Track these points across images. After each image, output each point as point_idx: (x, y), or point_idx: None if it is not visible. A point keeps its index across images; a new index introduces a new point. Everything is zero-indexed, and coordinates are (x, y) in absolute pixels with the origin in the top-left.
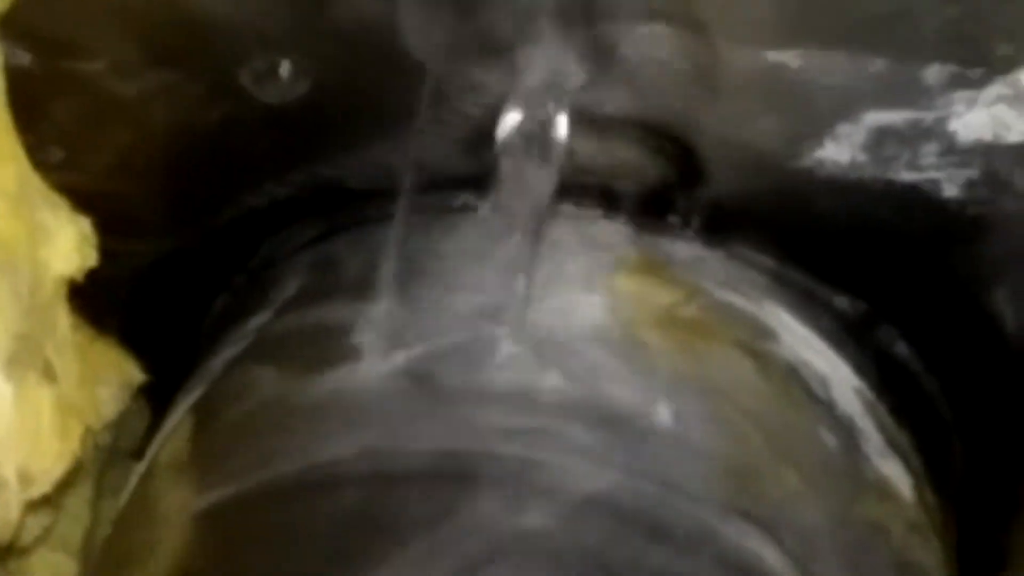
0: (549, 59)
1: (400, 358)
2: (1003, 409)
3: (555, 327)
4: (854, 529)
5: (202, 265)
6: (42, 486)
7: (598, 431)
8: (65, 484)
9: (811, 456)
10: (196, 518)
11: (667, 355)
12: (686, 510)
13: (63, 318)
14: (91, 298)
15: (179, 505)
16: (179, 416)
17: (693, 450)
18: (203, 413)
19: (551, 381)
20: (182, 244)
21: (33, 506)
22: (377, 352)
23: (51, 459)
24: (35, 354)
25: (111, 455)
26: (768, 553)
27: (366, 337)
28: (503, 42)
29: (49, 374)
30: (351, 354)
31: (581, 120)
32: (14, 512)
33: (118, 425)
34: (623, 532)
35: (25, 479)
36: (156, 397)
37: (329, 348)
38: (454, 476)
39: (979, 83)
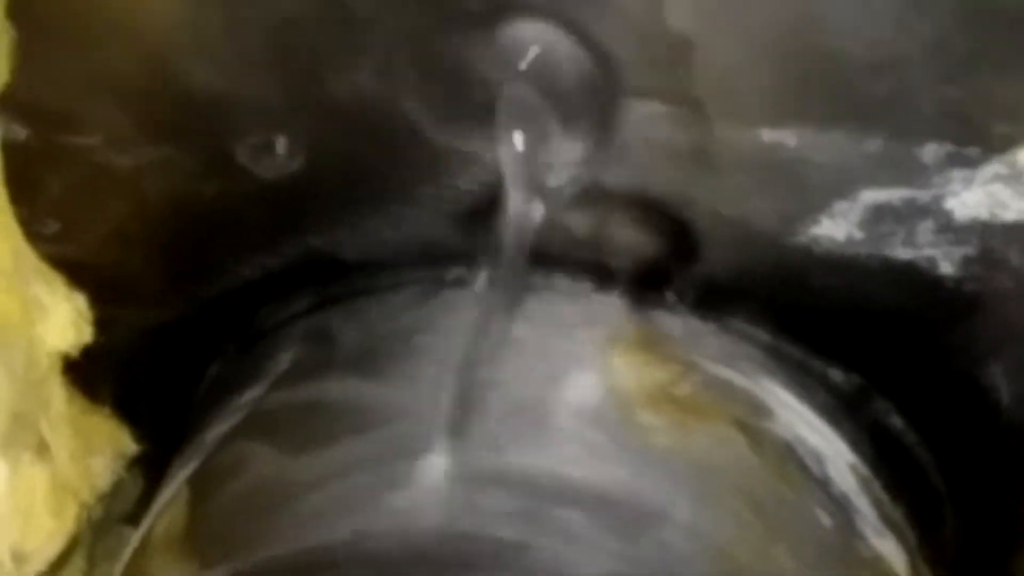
0: (545, 136)
1: (393, 437)
2: (997, 482)
3: (552, 406)
4: None
5: (196, 334)
6: (37, 565)
7: (591, 514)
8: (60, 559)
9: (806, 536)
10: None
11: (662, 434)
12: None
13: (57, 393)
14: (85, 369)
15: None
16: (173, 490)
17: (686, 532)
18: (197, 489)
19: (546, 463)
20: (176, 314)
21: None
22: (371, 431)
23: (45, 538)
24: (30, 431)
25: (104, 521)
26: None
27: (359, 416)
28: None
29: (43, 451)
30: (345, 433)
31: (581, 196)
32: None
33: (112, 493)
34: None
35: (19, 558)
36: (151, 465)
37: (323, 426)
38: (449, 560)
39: (976, 162)
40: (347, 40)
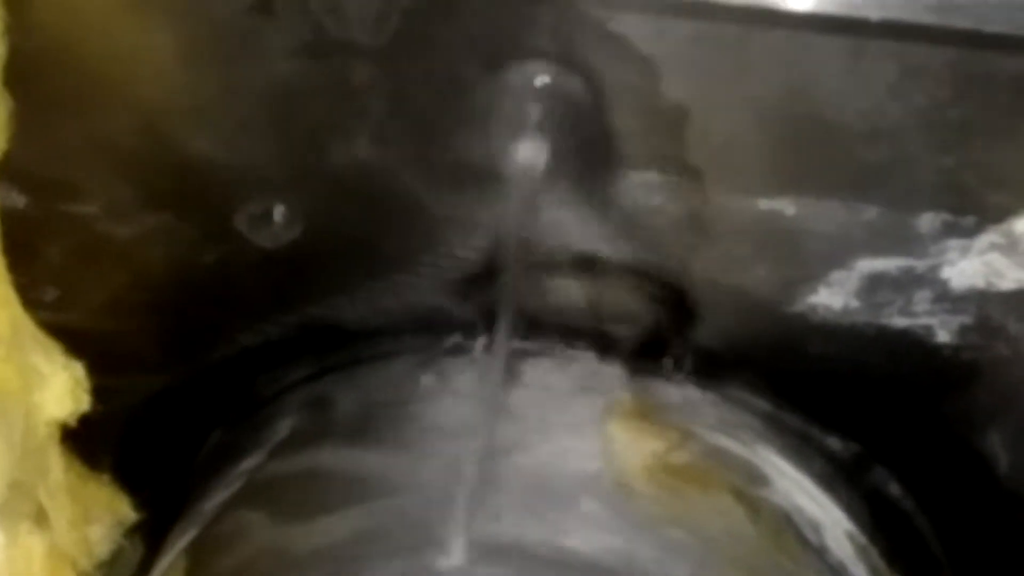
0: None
1: (390, 506)
2: (995, 548)
3: (549, 474)
4: None
5: (195, 403)
6: None
7: None
8: None
9: None
10: None
11: (659, 504)
12: None
13: (56, 461)
14: (84, 437)
15: None
16: (171, 558)
17: None
18: (195, 558)
19: (544, 534)
20: (175, 381)
21: None
22: (368, 501)
23: None
24: (28, 500)
25: None
26: None
27: (357, 486)
28: (496, 188)
29: (41, 520)
30: (343, 503)
31: (579, 264)
32: None
33: (111, 559)
34: None
35: None
36: (150, 532)
37: (320, 496)
38: None
39: (972, 231)
40: (344, 111)
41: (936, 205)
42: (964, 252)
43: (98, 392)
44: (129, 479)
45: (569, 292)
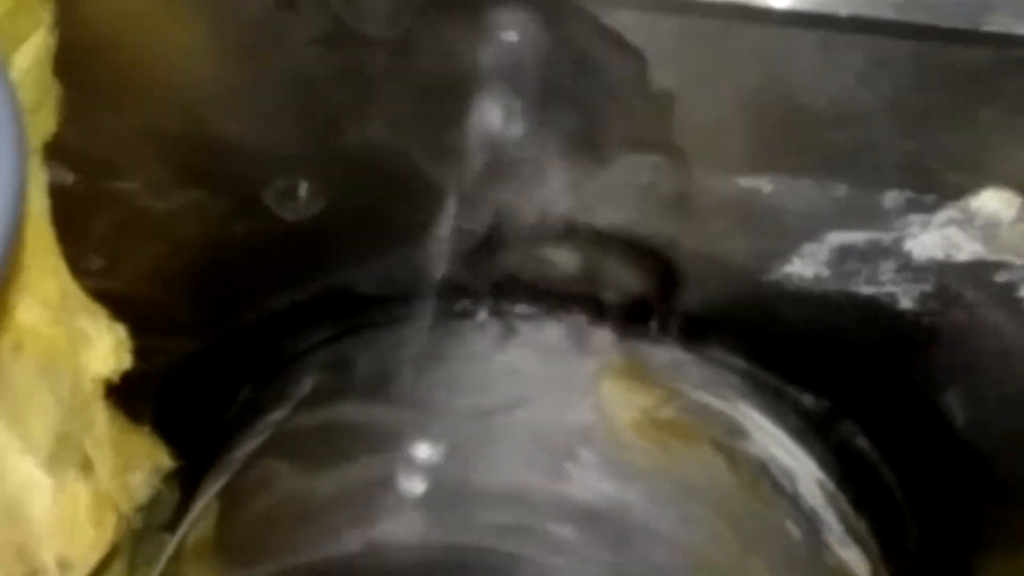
0: (545, 182)
1: (403, 455)
2: (953, 495)
3: (547, 427)
4: None
5: (226, 362)
6: (80, 571)
7: (581, 528)
8: (102, 565)
9: (777, 547)
10: None
11: (646, 454)
12: None
13: (100, 414)
14: (126, 393)
15: None
16: (205, 502)
17: (668, 545)
18: (226, 502)
19: (541, 481)
20: (208, 343)
21: None
22: (384, 451)
23: (88, 547)
24: (74, 450)
25: (144, 530)
26: None
27: (374, 437)
28: (497, 166)
29: (87, 467)
30: (360, 452)
31: (574, 236)
32: None
33: (150, 503)
34: None
35: (64, 566)
36: (186, 478)
37: (340, 446)
38: (452, 570)
39: (932, 208)
40: (361, 96)
41: (900, 184)
42: (925, 226)
43: (139, 352)
44: (167, 431)
45: (566, 261)
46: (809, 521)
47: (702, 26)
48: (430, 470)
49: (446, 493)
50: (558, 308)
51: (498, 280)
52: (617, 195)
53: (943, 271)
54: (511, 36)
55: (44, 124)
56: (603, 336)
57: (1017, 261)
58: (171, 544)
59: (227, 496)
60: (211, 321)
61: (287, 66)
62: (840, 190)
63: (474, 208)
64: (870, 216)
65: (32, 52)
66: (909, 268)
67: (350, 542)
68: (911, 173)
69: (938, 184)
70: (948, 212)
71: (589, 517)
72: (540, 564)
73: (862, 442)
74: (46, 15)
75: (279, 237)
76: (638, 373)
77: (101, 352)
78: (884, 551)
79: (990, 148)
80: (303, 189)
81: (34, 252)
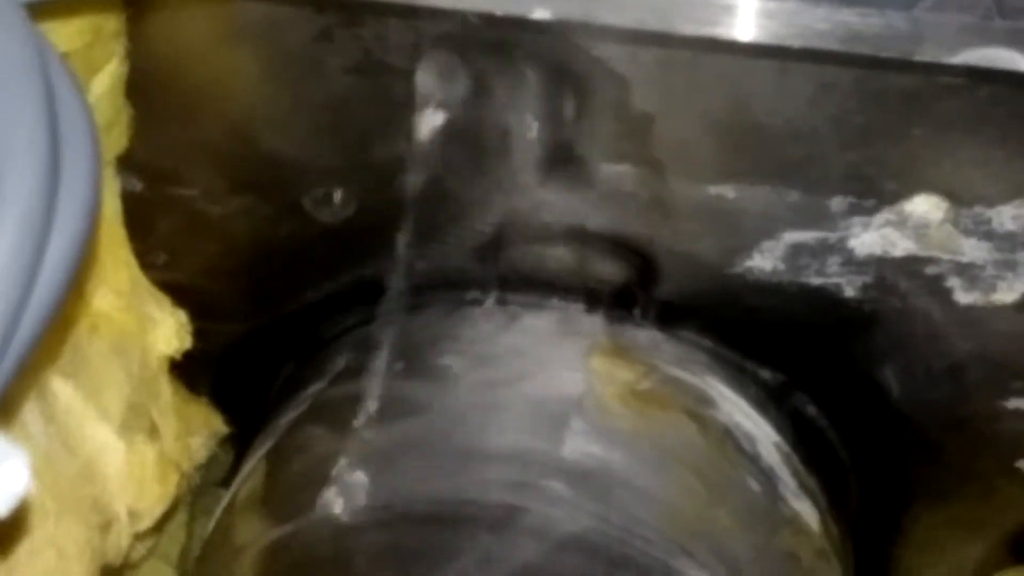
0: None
1: (421, 422)
2: (889, 455)
3: (546, 397)
4: (773, 558)
5: (272, 342)
6: (147, 521)
7: (573, 483)
8: (166, 515)
9: (740, 500)
10: (264, 549)
11: (628, 420)
12: (642, 547)
13: (165, 387)
14: (187, 369)
15: (252, 537)
16: (254, 462)
17: (647, 498)
18: (272, 461)
19: (538, 444)
20: (257, 326)
21: (140, 535)
22: (405, 418)
23: (154, 500)
24: (143, 417)
25: (202, 486)
26: None
27: (398, 407)
28: (504, 177)
29: (153, 432)
30: (387, 419)
31: (567, 236)
32: (125, 542)
33: (208, 463)
34: (593, 565)
35: (134, 516)
36: (238, 441)
37: (368, 413)
38: (461, 520)
39: (872, 211)
40: (387, 117)
41: (844, 190)
42: (865, 227)
43: (197, 334)
44: (222, 401)
45: (560, 257)
46: (767, 478)
47: (677, 56)
48: (445, 433)
49: (457, 453)
50: (554, 297)
51: (503, 273)
52: (604, 201)
53: (881, 265)
54: (521, 69)
55: (117, 140)
56: (592, 321)
57: (944, 256)
58: (225, 498)
59: (273, 457)
60: (259, 308)
61: (324, 91)
62: (793, 196)
63: (483, 212)
64: (819, 218)
65: (107, 79)
66: (852, 262)
67: (376, 496)
68: (854, 181)
69: (877, 191)
70: (885, 215)
71: (579, 474)
72: (537, 514)
73: (812, 410)
74: (119, 47)
75: (316, 236)
76: (622, 352)
77: (165, 334)
78: (831, 503)
79: (921, 160)
80: (337, 195)
81: (108, 248)
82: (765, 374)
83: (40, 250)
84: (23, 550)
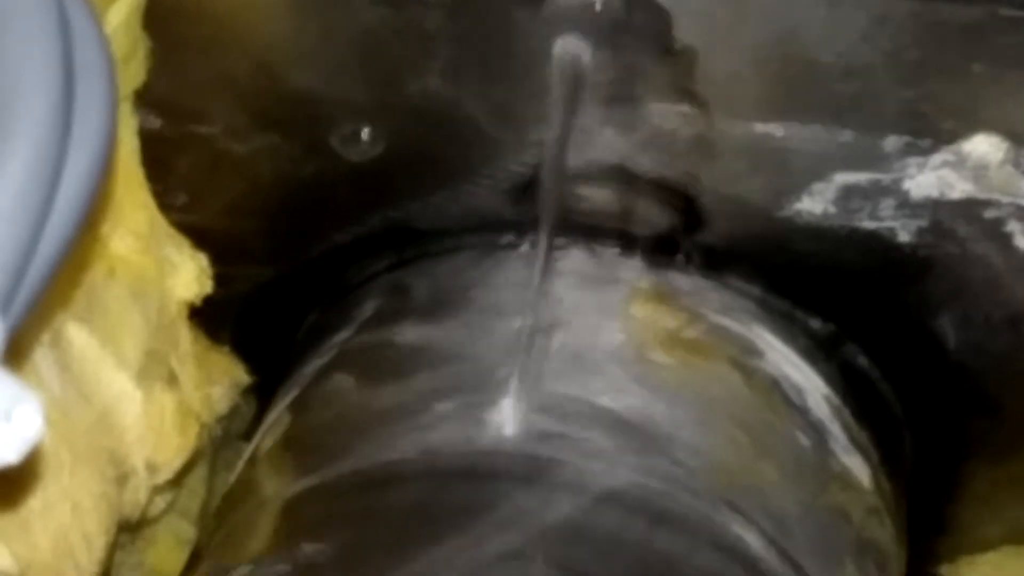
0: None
1: (454, 371)
2: (944, 409)
3: (582, 346)
4: (822, 514)
5: (297, 288)
6: (165, 474)
7: (612, 435)
8: (185, 468)
9: (788, 454)
10: (289, 502)
11: (671, 370)
12: (684, 501)
13: (184, 334)
14: (207, 315)
15: (276, 490)
16: (278, 413)
17: (690, 451)
18: (296, 412)
19: (576, 393)
20: (281, 272)
21: (158, 489)
22: (437, 367)
23: (173, 452)
24: (161, 365)
25: (223, 439)
26: (751, 537)
27: (428, 355)
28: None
29: (172, 381)
30: (416, 369)
31: (608, 177)
32: (143, 495)
33: (230, 414)
34: (633, 520)
35: (152, 469)
36: (261, 392)
37: (398, 363)
38: (495, 473)
39: (928, 151)
40: (418, 50)
41: (899, 129)
42: (921, 168)
43: (219, 279)
44: (244, 349)
45: (600, 199)
46: (816, 431)
47: None
48: (477, 384)
49: (492, 404)
50: (593, 241)
51: (538, 216)
52: (647, 140)
53: (937, 208)
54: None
55: (134, 74)
56: (633, 266)
57: (1004, 199)
58: (247, 449)
59: (297, 408)
60: (283, 252)
61: (352, 23)
62: (845, 135)
63: (518, 151)
64: (872, 158)
65: (124, 8)
66: (907, 205)
67: (406, 448)
68: (909, 120)
69: (933, 130)
70: (942, 155)
71: (618, 426)
72: (575, 467)
73: (864, 361)
74: None
75: (344, 177)
76: (664, 298)
77: (185, 278)
78: (883, 459)
79: (980, 97)
80: (366, 133)
81: (125, 188)
82: (815, 323)
83: (53, 183)
84: (36, 503)
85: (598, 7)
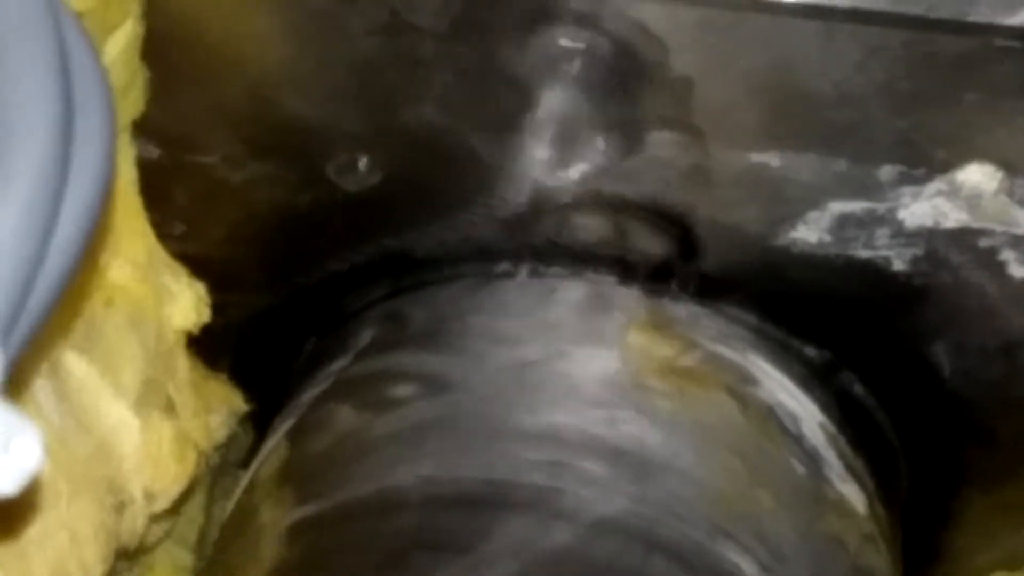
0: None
1: (451, 400)
2: (939, 437)
3: (579, 374)
4: (817, 542)
5: (294, 316)
6: (163, 502)
7: (608, 464)
8: (183, 496)
9: (783, 482)
10: (287, 530)
11: (667, 398)
12: (680, 529)
13: (182, 362)
14: (205, 344)
15: (274, 519)
16: (275, 441)
17: (686, 479)
18: (294, 440)
19: (573, 422)
20: (278, 300)
21: (156, 517)
22: (433, 396)
23: (170, 480)
24: (159, 393)
25: (221, 467)
26: (746, 564)
27: (424, 384)
28: (537, 142)
29: (170, 409)
30: (413, 397)
31: (604, 206)
32: (140, 524)
33: (227, 443)
34: (628, 548)
35: (149, 497)
36: (258, 420)
37: (395, 390)
38: (492, 501)
39: (922, 180)
40: (414, 78)
41: (893, 159)
42: (916, 197)
43: (216, 307)
44: (242, 378)
45: (597, 227)
46: (812, 459)
47: (718, 17)
48: (473, 412)
49: (487, 433)
50: (589, 270)
51: (536, 244)
52: (642, 169)
53: (932, 237)
54: (552, 31)
55: (133, 104)
56: (629, 294)
57: (998, 228)
58: (245, 477)
59: (294, 435)
60: (280, 280)
61: (348, 53)
62: (840, 164)
63: (514, 180)
64: (867, 188)
65: (122, 40)
66: (902, 234)
67: (403, 476)
68: (903, 149)
69: (928, 159)
70: (937, 184)
71: (614, 454)
72: (571, 495)
73: (859, 389)
74: (135, 6)
75: (340, 206)
76: (660, 327)
77: (183, 307)
78: (879, 486)
79: (974, 127)
80: (362, 163)
81: (123, 217)
82: (810, 351)
83: (53, 215)
84: (35, 533)
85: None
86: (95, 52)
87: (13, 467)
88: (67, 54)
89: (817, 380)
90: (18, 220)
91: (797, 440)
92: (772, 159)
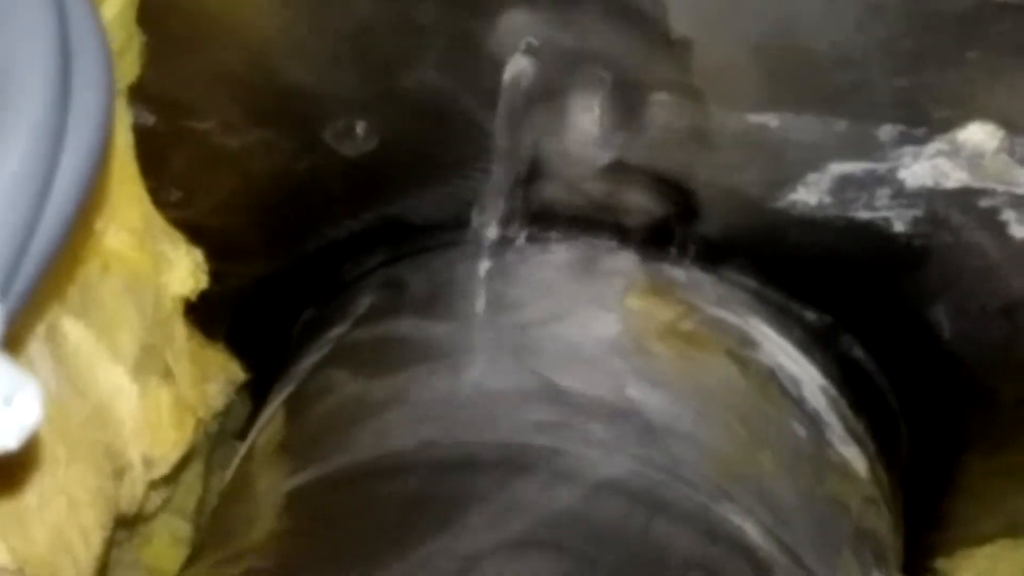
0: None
1: (451, 364)
2: (940, 400)
3: (579, 337)
4: (819, 504)
5: (292, 284)
6: (162, 469)
7: (612, 425)
8: (181, 464)
9: (784, 444)
10: (286, 496)
11: (668, 361)
12: (683, 491)
13: (180, 330)
14: (203, 312)
15: (272, 485)
16: (273, 409)
17: (688, 441)
18: (292, 407)
19: (575, 384)
20: (276, 267)
21: (155, 484)
22: (433, 360)
23: (169, 447)
24: (157, 360)
25: (219, 436)
26: (748, 526)
27: (424, 348)
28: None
29: (168, 376)
30: (412, 361)
31: (603, 169)
32: (139, 490)
33: (225, 412)
34: (632, 509)
35: (148, 463)
36: (256, 389)
37: (394, 356)
38: (494, 464)
39: (923, 140)
40: (412, 43)
41: (893, 118)
42: (916, 157)
43: (214, 275)
44: (239, 345)
45: (595, 191)
46: (813, 422)
47: None
48: (475, 375)
49: (490, 395)
50: (588, 234)
51: (535, 209)
52: (641, 132)
53: (933, 197)
54: None
55: (128, 69)
56: (628, 258)
57: (999, 188)
58: (244, 445)
59: (292, 403)
60: (278, 247)
61: (345, 17)
62: (840, 125)
63: (514, 145)
64: (867, 148)
65: (118, 2)
66: (902, 195)
67: (404, 440)
68: (904, 109)
69: (928, 119)
70: (937, 144)
71: (618, 416)
72: (574, 456)
73: (859, 352)
74: None
75: (338, 172)
76: (660, 291)
77: (180, 274)
78: (880, 449)
79: (975, 86)
80: (360, 128)
81: (119, 183)
82: (810, 314)
83: (50, 170)
84: (33, 498)
85: None
86: (94, 8)
87: (15, 422)
88: (65, 9)
89: (818, 343)
90: (15, 174)
91: (798, 403)
92: (771, 120)
